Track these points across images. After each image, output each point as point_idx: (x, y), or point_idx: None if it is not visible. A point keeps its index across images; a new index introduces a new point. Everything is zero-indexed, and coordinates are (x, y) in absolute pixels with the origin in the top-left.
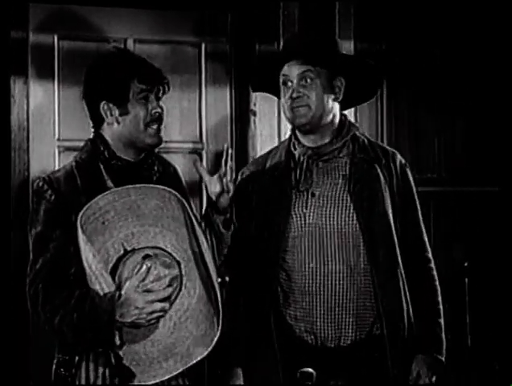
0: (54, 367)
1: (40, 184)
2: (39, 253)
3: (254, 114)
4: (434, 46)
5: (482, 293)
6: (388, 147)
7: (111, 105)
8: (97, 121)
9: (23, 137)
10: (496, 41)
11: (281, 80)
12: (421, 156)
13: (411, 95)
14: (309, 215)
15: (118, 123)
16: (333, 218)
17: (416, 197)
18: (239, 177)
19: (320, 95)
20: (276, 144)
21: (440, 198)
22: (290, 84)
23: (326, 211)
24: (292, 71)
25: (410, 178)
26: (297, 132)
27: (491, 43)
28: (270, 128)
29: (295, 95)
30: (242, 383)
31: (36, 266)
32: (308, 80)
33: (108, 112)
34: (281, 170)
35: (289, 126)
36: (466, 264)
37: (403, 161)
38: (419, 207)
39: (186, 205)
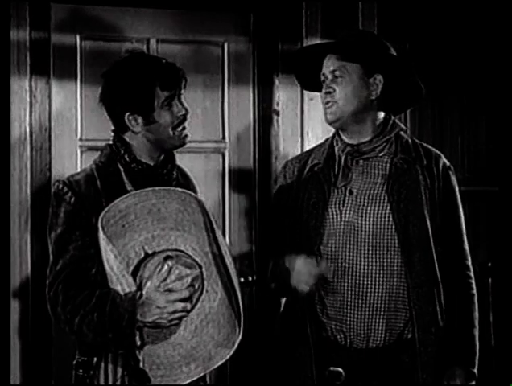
0: (73, 367)
1: (60, 187)
2: (59, 255)
3: (277, 114)
4: (457, 45)
5: (506, 293)
6: (433, 149)
7: (136, 116)
8: (121, 128)
9: (45, 137)
10: None
11: (321, 79)
12: (444, 156)
13: (435, 94)
14: (345, 213)
15: (146, 131)
16: (369, 217)
17: (459, 202)
18: (281, 169)
19: (351, 92)
20: (299, 144)
21: (463, 198)
22: (325, 80)
23: (363, 209)
24: (326, 67)
25: (453, 183)
26: None
27: None
28: (293, 128)
29: (325, 90)
30: None
31: (56, 268)
32: (339, 77)
33: (133, 122)
34: (321, 165)
35: (312, 126)
36: (490, 265)
37: (447, 164)
38: (461, 213)
39: (206, 208)
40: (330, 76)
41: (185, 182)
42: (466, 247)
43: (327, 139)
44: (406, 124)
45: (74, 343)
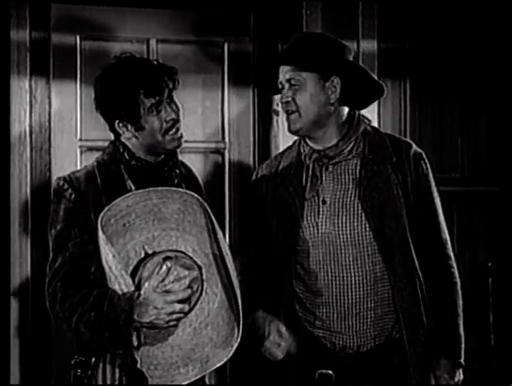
0: (71, 367)
1: (61, 183)
2: (58, 252)
3: (277, 114)
4: (458, 45)
5: (506, 293)
6: (402, 139)
7: (125, 123)
8: (116, 133)
9: (45, 137)
10: None
11: (279, 86)
12: (444, 156)
13: (435, 94)
14: (321, 225)
15: (136, 137)
16: (346, 227)
17: (434, 189)
18: (254, 177)
19: (309, 99)
20: None
21: (463, 198)
22: (283, 88)
23: (338, 219)
24: (283, 76)
25: (426, 170)
26: None
27: None
28: None
29: (284, 100)
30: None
31: (55, 265)
32: (296, 85)
33: (124, 129)
34: (291, 175)
35: None
36: (490, 264)
37: (418, 151)
38: (437, 201)
39: (207, 209)
40: (287, 85)
41: (190, 179)
42: (444, 236)
43: (294, 142)
44: (406, 124)
45: (73, 343)
